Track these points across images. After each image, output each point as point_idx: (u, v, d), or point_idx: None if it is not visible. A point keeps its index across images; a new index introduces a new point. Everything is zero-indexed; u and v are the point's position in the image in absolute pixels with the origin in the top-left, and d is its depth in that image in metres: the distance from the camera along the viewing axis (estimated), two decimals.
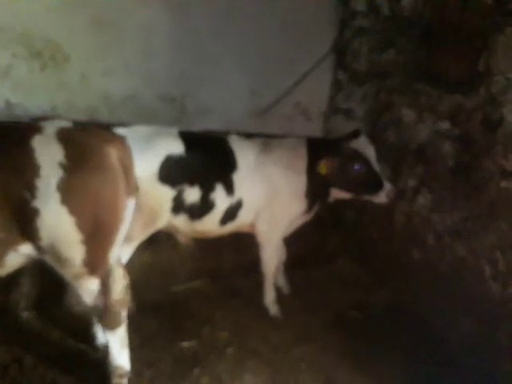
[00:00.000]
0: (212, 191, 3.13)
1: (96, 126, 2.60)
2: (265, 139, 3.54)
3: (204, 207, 3.14)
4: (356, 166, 3.35)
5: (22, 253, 2.38)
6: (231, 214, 3.26)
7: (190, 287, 3.78)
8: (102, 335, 3.00)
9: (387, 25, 4.51)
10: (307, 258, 4.25)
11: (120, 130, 2.94)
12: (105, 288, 2.55)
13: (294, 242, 3.79)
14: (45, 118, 2.47)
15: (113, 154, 2.38)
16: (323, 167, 3.29)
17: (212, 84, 4.39)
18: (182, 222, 3.17)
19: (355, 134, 3.49)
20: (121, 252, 2.99)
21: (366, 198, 3.53)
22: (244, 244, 3.89)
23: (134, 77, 4.06)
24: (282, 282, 3.90)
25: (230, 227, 3.35)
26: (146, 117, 3.93)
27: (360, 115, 4.78)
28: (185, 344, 3.24)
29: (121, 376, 2.75)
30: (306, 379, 3.07)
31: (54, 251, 2.33)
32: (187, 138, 3.09)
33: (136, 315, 3.30)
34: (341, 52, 4.93)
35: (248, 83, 4.55)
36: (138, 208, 2.90)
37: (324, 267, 4.27)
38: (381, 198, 3.45)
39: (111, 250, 2.54)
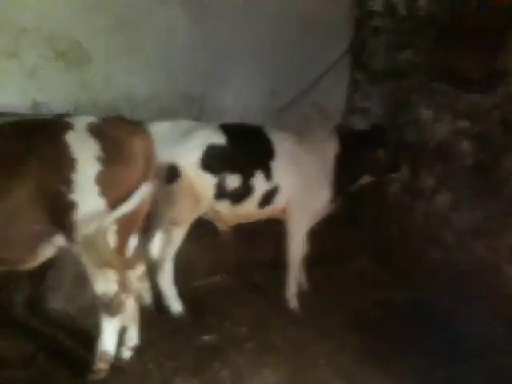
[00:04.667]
0: (252, 177, 3.35)
1: (120, 118, 2.68)
2: (298, 130, 3.76)
3: (244, 192, 3.35)
4: (397, 153, 3.86)
5: (54, 244, 2.49)
6: (268, 198, 3.46)
7: (211, 282, 3.83)
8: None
9: (403, 24, 4.56)
10: (327, 255, 4.26)
11: (164, 124, 3.20)
12: (120, 275, 2.61)
13: (315, 239, 3.83)
14: (67, 114, 2.56)
15: (138, 144, 2.49)
16: (382, 158, 3.72)
17: (230, 83, 4.47)
18: (223, 207, 3.37)
19: (380, 127, 3.88)
20: (171, 236, 3.29)
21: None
22: (263, 241, 3.95)
23: (156, 76, 4.16)
24: (302, 278, 3.93)
25: (267, 211, 3.55)
26: (167, 116, 3.99)
27: (377, 114, 4.82)
28: (205, 338, 3.29)
29: (106, 361, 2.81)
30: (326, 376, 3.07)
31: (88, 241, 2.41)
32: (228, 129, 3.32)
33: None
34: (358, 52, 4.97)
35: (266, 82, 4.62)
36: (182, 194, 3.13)
37: (343, 265, 4.30)
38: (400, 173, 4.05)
39: (132, 238, 2.67)
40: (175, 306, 3.47)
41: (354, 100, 5.08)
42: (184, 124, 3.28)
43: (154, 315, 3.39)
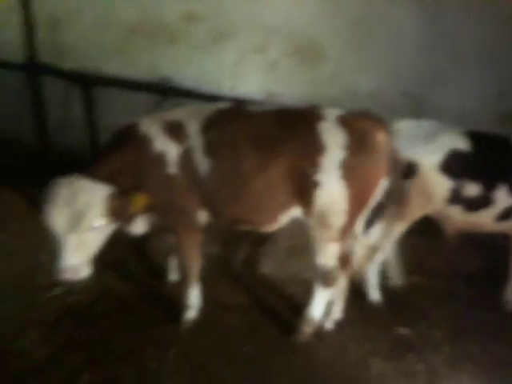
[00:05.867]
0: (493, 189, 3.23)
1: (365, 113, 2.92)
2: None
3: (482, 202, 3.26)
4: None
5: (291, 214, 2.92)
6: (509, 214, 3.31)
7: (410, 281, 3.82)
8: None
9: None
10: None
11: (409, 122, 3.36)
12: (342, 253, 2.93)
13: None
14: (319, 106, 2.90)
15: (381, 139, 2.73)
16: None
17: (454, 85, 4.36)
18: (455, 213, 3.34)
19: None
20: (392, 229, 3.40)
21: None
22: (472, 250, 3.82)
23: (380, 74, 4.33)
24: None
25: (505, 226, 3.40)
26: (386, 113, 4.10)
27: None
28: (401, 330, 3.38)
29: (312, 327, 3.12)
30: None
31: (321, 217, 2.78)
32: (474, 136, 3.28)
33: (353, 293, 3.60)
34: None
35: (493, 85, 4.35)
36: (416, 191, 3.24)
37: None
38: None
39: (358, 221, 2.95)
40: (375, 294, 3.63)
41: None
42: (430, 124, 3.34)
43: (352, 298, 3.54)
